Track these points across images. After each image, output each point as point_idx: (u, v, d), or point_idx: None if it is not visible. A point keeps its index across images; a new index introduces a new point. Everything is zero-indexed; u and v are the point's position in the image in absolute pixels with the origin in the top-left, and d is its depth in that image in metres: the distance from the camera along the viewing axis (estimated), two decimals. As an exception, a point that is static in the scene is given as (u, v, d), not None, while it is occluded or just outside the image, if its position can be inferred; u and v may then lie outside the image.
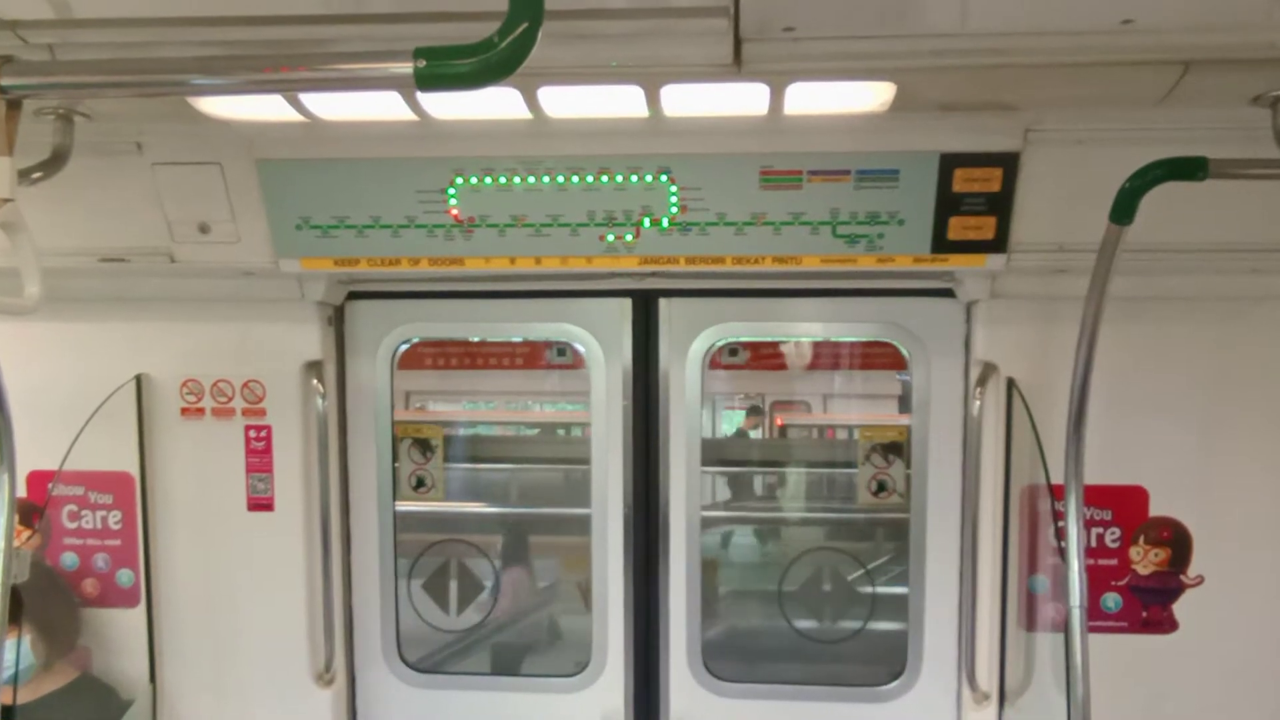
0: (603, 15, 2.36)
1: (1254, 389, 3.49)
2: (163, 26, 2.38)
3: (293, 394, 3.76)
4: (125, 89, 2.17)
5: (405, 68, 1.86)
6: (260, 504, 3.80)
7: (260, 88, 2.26)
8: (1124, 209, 2.68)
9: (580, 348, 3.92)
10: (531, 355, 4.82)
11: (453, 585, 4.30)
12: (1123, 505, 3.57)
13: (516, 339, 4.50)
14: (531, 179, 3.29)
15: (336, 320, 3.89)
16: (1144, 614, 3.61)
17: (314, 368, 3.76)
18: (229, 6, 2.32)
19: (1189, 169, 2.60)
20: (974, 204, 3.21)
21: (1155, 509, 3.57)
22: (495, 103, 2.83)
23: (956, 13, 2.37)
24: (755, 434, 6.12)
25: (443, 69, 1.85)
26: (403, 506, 4.09)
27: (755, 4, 2.25)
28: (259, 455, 3.78)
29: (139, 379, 3.77)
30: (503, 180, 3.30)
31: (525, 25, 1.81)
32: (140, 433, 3.78)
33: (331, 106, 2.93)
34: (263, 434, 3.78)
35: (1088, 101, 2.95)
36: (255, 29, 2.36)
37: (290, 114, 2.91)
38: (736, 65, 2.50)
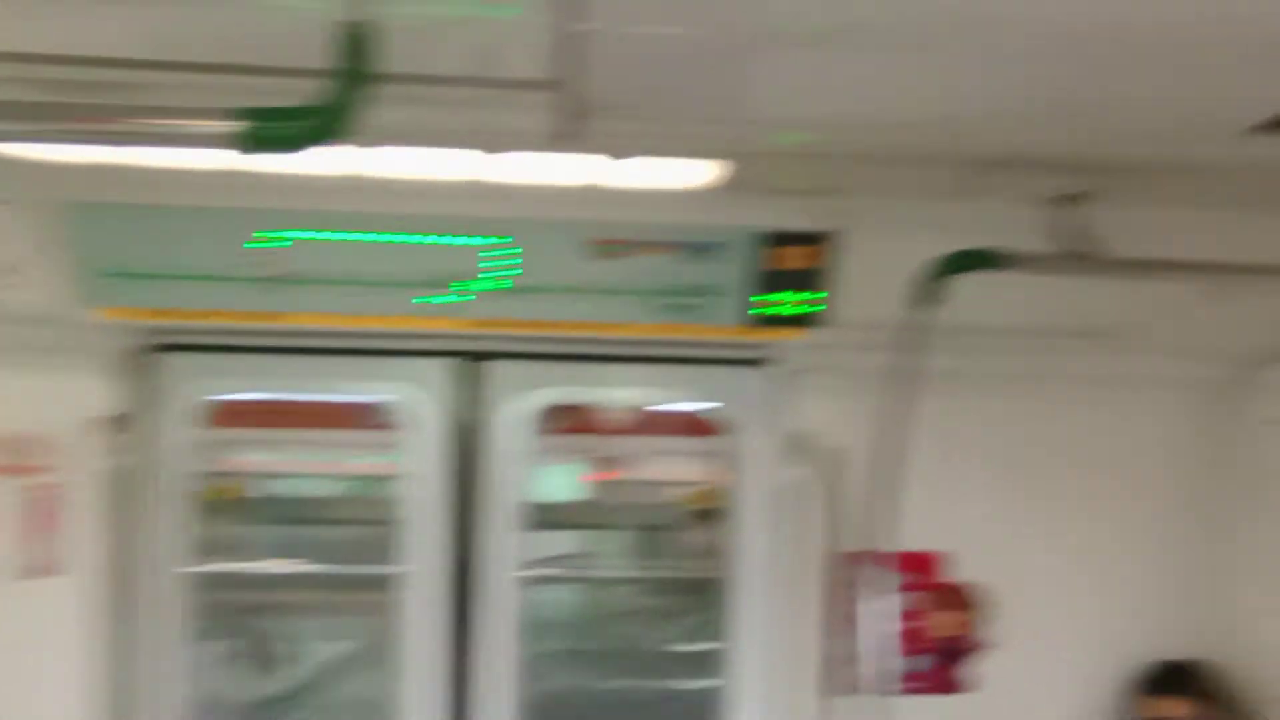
0: (436, 82, 2.33)
1: (1051, 461, 3.74)
2: None
3: (87, 451, 3.51)
4: None
5: (227, 128, 1.79)
6: (40, 570, 3.50)
7: (72, 138, 2.14)
8: (922, 294, 2.86)
9: (403, 406, 3.82)
10: (354, 412, 4.65)
11: (257, 651, 4.08)
12: (928, 570, 3.74)
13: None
14: (359, 235, 3.21)
15: (140, 373, 3.66)
16: (947, 674, 3.78)
17: (111, 422, 3.52)
18: (42, 43, 2.18)
19: (980, 262, 2.81)
20: (794, 280, 3.34)
21: (959, 573, 3.75)
22: (321, 158, 2.75)
23: (786, 102, 2.47)
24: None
25: (267, 131, 1.79)
26: (202, 569, 3.83)
27: (592, 81, 2.27)
28: (44, 517, 3.50)
29: None
30: (329, 235, 3.21)
31: (353, 89, 1.77)
32: None
33: (145, 150, 2.78)
34: (50, 493, 3.50)
35: (898, 191, 3.12)
36: (69, 69, 2.22)
37: (100, 155, 2.74)
38: (571, 138, 2.52)
